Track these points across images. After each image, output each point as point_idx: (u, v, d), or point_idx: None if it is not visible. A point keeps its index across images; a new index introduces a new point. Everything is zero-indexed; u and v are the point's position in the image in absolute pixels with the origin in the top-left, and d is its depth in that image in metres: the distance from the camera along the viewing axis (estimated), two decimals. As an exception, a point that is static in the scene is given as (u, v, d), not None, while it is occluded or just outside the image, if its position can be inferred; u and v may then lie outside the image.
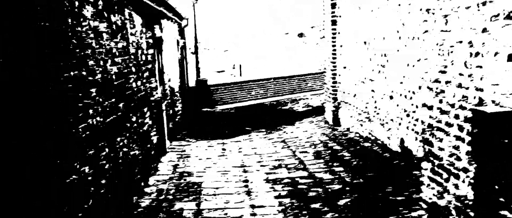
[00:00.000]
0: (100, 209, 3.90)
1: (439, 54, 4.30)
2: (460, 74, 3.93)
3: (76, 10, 3.53)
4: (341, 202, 5.15)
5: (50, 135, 2.89)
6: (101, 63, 4.23)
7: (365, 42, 7.85)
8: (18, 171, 2.49)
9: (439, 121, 4.03)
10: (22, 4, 2.58)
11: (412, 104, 6.03)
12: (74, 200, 3.25)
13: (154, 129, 7.25)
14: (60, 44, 3.15)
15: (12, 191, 2.42)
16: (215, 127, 11.75)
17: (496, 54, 3.45)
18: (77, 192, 3.30)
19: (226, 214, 5.00)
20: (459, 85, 3.91)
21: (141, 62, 6.46)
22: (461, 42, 3.95)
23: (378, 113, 7.46)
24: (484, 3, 3.63)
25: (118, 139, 4.78)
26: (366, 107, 8.04)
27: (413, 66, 5.89)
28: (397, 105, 6.61)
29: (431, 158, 4.20)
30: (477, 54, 3.72)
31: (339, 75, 9.59)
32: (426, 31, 5.08)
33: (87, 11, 3.85)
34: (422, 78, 4.86)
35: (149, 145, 6.66)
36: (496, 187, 2.87)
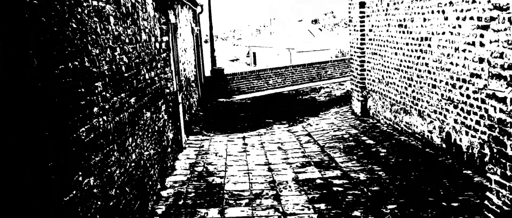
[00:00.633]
0: (109, 224, 3.30)
1: None
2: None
3: (74, -13, 2.88)
4: (386, 208, 4.47)
5: (39, 144, 2.26)
6: (108, 52, 3.59)
7: (400, 25, 7.08)
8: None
9: (514, 117, 3.31)
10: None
11: (463, 94, 5.29)
12: (76, 221, 2.63)
13: (170, 124, 6.63)
14: (53, 26, 2.51)
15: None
16: (233, 119, 11.11)
17: None
18: (78, 212, 2.68)
19: (254, 223, 4.38)
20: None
21: (155, 51, 5.81)
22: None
23: (417, 104, 6.72)
24: None
25: (130, 139, 4.15)
26: (401, 97, 7.30)
27: (470, 51, 5.14)
28: (442, 95, 5.86)
29: (502, 160, 3.49)
30: None
31: (368, 62, 8.85)
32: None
33: (90, -11, 3.20)
34: (490, 63, 4.12)
35: (165, 143, 6.04)
36: None
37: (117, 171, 3.62)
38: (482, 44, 4.82)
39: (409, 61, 6.88)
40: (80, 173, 2.77)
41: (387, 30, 7.69)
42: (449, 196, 4.61)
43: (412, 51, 6.74)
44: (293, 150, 7.28)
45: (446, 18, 5.60)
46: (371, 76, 8.75)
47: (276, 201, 4.89)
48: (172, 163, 6.51)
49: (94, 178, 3.02)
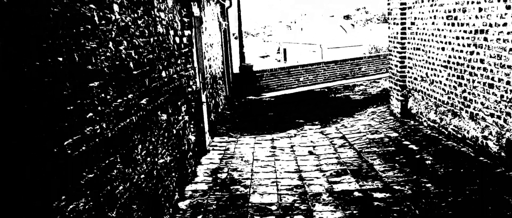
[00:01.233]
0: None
1: None
2: None
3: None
4: (440, 232, 3.76)
5: (5, 162, 1.70)
6: (110, 45, 3.03)
7: (449, 17, 6.28)
8: None
9: None
10: None
11: (529, 96, 4.50)
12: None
13: (192, 126, 6.07)
14: (23, 8, 1.95)
15: None
16: (262, 119, 10.49)
17: None
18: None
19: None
20: None
21: (174, 46, 5.25)
22: None
23: (468, 106, 5.93)
24: None
25: (140, 147, 3.59)
26: (449, 98, 6.50)
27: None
28: (502, 97, 5.07)
29: None
30: None
31: (409, 58, 8.05)
32: None
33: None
34: None
35: (185, 147, 5.48)
36: None
37: (121, 187, 3.06)
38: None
39: (459, 57, 6.08)
40: (63, 197, 2.20)
41: (433, 23, 6.90)
42: (516, 218, 3.86)
43: (463, 46, 5.95)
44: (327, 155, 6.60)
45: (508, 7, 4.80)
46: (412, 73, 7.96)
47: (308, 218, 4.25)
48: (193, 168, 5.95)
49: (86, 200, 2.46)
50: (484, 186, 4.66)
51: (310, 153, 6.83)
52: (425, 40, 7.27)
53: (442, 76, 6.69)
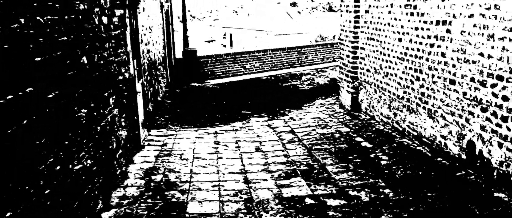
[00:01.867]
0: None
1: None
2: None
3: None
4: (405, 252, 3.28)
5: None
6: (-4, 22, 2.23)
7: (408, 5, 5.86)
8: None
9: None
10: None
11: (497, 95, 4.12)
12: None
13: (123, 120, 5.28)
14: None
15: None
16: (205, 108, 9.78)
17: None
18: None
19: None
20: None
21: (101, 27, 4.43)
22: None
23: (426, 102, 5.55)
24: None
25: (43, 153, 2.81)
26: (405, 92, 6.12)
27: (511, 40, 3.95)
28: (464, 94, 4.69)
29: None
30: None
31: (362, 48, 7.62)
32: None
33: None
34: None
35: (113, 145, 4.70)
36: None
37: (8, 214, 2.30)
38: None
39: (418, 50, 5.68)
40: None
41: (389, 12, 6.47)
42: (486, 233, 3.46)
43: (422, 37, 5.54)
44: (275, 153, 6.03)
45: (476, -4, 4.39)
46: (365, 65, 7.54)
47: (254, 233, 3.65)
48: (124, 168, 5.19)
49: None
50: (446, 193, 4.26)
51: (257, 149, 6.24)
52: (380, 29, 6.84)
53: (398, 69, 6.29)
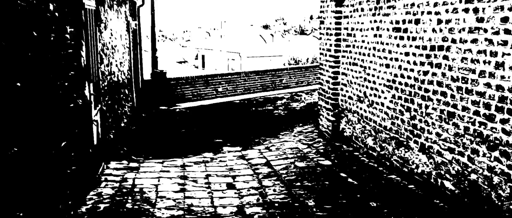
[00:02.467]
0: None
1: None
2: None
3: None
4: None
5: None
6: None
7: (397, 29, 5.34)
8: None
9: None
10: None
11: (510, 133, 3.57)
12: None
13: (73, 154, 4.49)
14: None
15: None
16: (173, 136, 9.02)
17: None
18: None
19: None
20: None
21: (45, 45, 3.70)
22: None
23: (418, 136, 4.98)
24: None
25: None
26: (393, 123, 5.56)
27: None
28: (466, 129, 4.14)
29: None
30: None
31: (344, 73, 7.08)
32: None
33: None
34: None
35: (54, 188, 3.91)
36: None
37: None
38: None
39: (408, 77, 5.14)
40: None
41: (375, 35, 5.95)
42: None
43: (414, 63, 5.01)
44: (250, 191, 5.33)
45: (480, 19, 3.88)
46: (347, 92, 6.99)
47: None
48: (72, 212, 4.38)
49: None
50: (451, 245, 3.65)
51: (230, 186, 5.53)
52: (364, 54, 6.32)
53: (385, 98, 5.74)
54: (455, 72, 4.27)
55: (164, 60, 40.78)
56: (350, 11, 6.75)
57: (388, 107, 5.68)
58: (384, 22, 5.67)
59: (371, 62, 6.11)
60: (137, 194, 5.10)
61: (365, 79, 6.33)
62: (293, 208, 4.68)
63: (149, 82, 13.80)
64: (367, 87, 6.27)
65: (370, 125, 6.23)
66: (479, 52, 3.91)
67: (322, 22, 7.68)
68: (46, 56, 3.73)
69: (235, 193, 5.26)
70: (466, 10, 4.08)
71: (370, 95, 6.18)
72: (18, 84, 3.09)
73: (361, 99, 6.47)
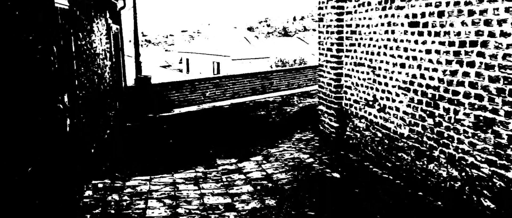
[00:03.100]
0: None
1: None
2: None
3: None
4: None
5: None
6: None
7: (415, 23, 4.70)
8: None
9: None
10: None
11: None
12: None
13: (41, 180, 3.75)
14: None
15: None
16: (161, 147, 8.27)
17: None
18: None
19: None
20: None
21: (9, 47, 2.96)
22: None
23: (446, 145, 4.34)
24: None
25: None
26: (412, 131, 4.91)
27: None
28: (510, 138, 3.51)
29: None
30: None
31: (348, 75, 6.44)
32: None
33: None
34: None
35: (20, 224, 3.16)
36: None
37: None
38: None
39: (431, 78, 4.50)
40: None
41: (386, 31, 5.31)
42: None
43: (438, 62, 4.37)
44: (253, 213, 4.63)
45: (529, 8, 3.25)
46: (352, 95, 6.34)
47: None
48: (43, 250, 3.63)
49: None
50: None
51: (229, 208, 4.82)
52: (373, 53, 5.68)
53: (401, 102, 5.10)
54: (494, 71, 3.64)
55: (148, 65, 39.85)
56: (354, 6, 6.11)
57: (404, 112, 5.04)
58: (398, 16, 5.03)
59: (381, 61, 5.48)
60: (121, 222, 4.36)
61: (374, 80, 5.69)
62: (306, 235, 4.00)
63: (133, 88, 13.01)
64: (377, 89, 5.63)
65: (381, 132, 5.59)
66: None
67: (321, 19, 7.03)
68: (2, 63, 2.99)
69: (236, 216, 4.56)
70: (508, -2, 3.46)
71: (381, 98, 5.54)
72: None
73: (370, 103, 5.82)
